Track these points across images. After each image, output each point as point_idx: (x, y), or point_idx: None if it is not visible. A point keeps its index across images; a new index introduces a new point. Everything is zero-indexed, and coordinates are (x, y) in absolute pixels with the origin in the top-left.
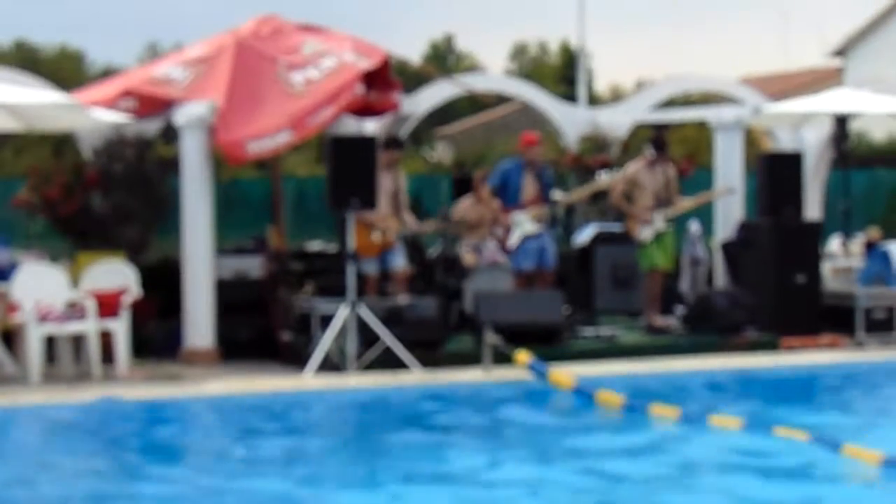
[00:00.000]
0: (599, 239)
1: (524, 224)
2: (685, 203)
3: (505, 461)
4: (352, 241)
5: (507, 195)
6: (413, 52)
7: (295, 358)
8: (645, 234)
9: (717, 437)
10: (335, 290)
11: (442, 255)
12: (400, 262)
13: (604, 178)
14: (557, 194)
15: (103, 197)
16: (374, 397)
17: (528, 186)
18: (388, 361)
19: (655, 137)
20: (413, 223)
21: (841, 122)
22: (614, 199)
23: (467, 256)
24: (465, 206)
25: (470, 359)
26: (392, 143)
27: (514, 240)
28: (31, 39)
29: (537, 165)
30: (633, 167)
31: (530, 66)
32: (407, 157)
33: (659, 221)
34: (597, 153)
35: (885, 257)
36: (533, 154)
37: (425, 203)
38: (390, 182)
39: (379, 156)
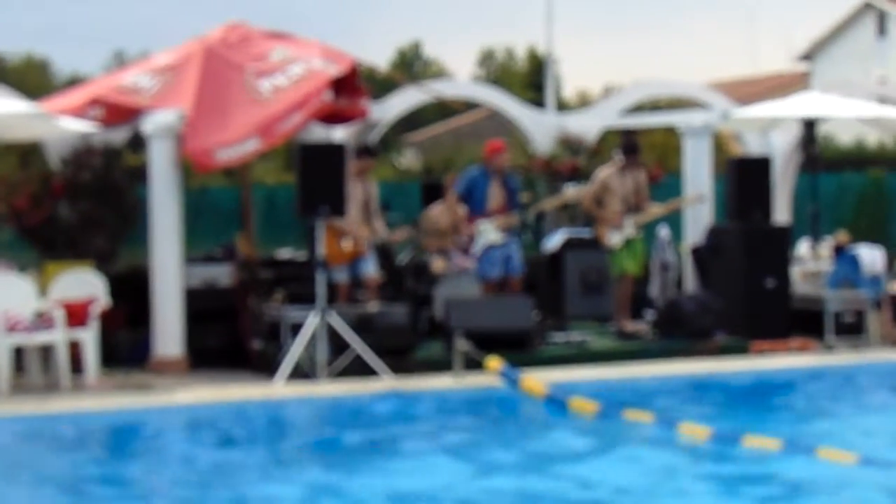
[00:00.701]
0: (569, 245)
1: (488, 233)
2: (655, 210)
3: (476, 468)
4: (321, 249)
5: (473, 203)
6: (380, 58)
7: (265, 366)
8: (614, 239)
9: (688, 445)
10: (305, 298)
11: (411, 261)
12: (371, 269)
13: (571, 191)
14: (524, 197)
15: (71, 206)
16: (345, 405)
17: (495, 194)
18: (359, 369)
19: (626, 142)
20: (384, 231)
21: (809, 126)
22: (586, 204)
23: (437, 263)
24: (436, 213)
25: (441, 365)
26: (364, 151)
27: (476, 248)
28: None
29: (503, 173)
30: (605, 172)
31: (498, 71)
32: (376, 164)
33: (629, 227)
34: (571, 156)
35: (853, 261)
36: (499, 162)
37: (395, 210)
38: (361, 190)
39: (349, 163)
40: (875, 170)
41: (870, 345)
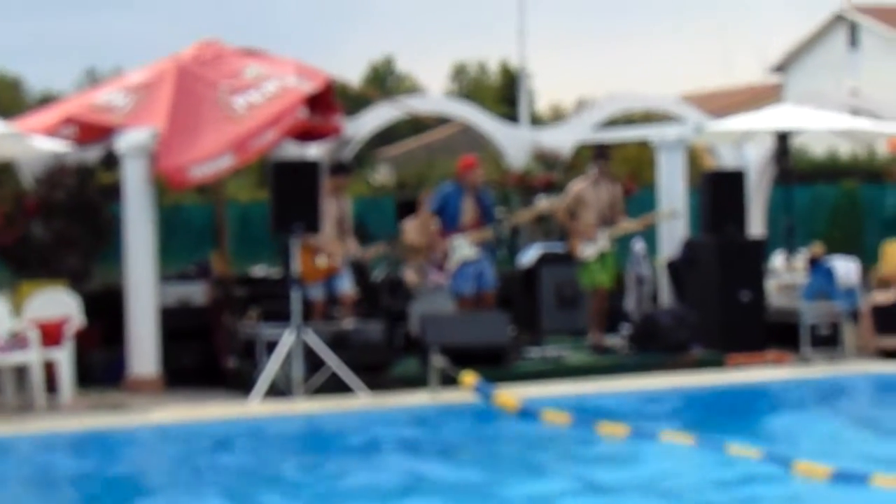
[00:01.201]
0: (544, 259)
1: (462, 248)
2: (628, 225)
3: (455, 484)
4: (296, 266)
5: (447, 218)
6: (353, 73)
7: (240, 384)
8: (588, 252)
9: (665, 456)
10: (280, 316)
11: (387, 278)
12: (346, 286)
13: (544, 203)
14: (500, 212)
15: (44, 225)
16: (321, 422)
17: (468, 210)
18: (335, 386)
19: (596, 150)
20: (357, 249)
21: (782, 138)
22: (559, 216)
23: (408, 274)
24: (411, 228)
25: (416, 381)
26: (338, 168)
27: (451, 264)
28: None
29: (477, 188)
30: (579, 185)
31: (470, 86)
32: (350, 180)
33: (603, 240)
34: (547, 171)
35: (828, 273)
36: (472, 177)
37: (370, 226)
38: (335, 207)
39: (324, 181)
40: (848, 181)
41: (845, 357)
